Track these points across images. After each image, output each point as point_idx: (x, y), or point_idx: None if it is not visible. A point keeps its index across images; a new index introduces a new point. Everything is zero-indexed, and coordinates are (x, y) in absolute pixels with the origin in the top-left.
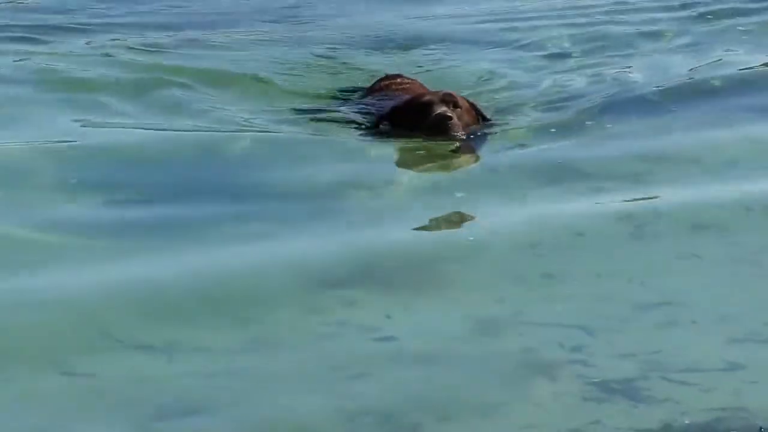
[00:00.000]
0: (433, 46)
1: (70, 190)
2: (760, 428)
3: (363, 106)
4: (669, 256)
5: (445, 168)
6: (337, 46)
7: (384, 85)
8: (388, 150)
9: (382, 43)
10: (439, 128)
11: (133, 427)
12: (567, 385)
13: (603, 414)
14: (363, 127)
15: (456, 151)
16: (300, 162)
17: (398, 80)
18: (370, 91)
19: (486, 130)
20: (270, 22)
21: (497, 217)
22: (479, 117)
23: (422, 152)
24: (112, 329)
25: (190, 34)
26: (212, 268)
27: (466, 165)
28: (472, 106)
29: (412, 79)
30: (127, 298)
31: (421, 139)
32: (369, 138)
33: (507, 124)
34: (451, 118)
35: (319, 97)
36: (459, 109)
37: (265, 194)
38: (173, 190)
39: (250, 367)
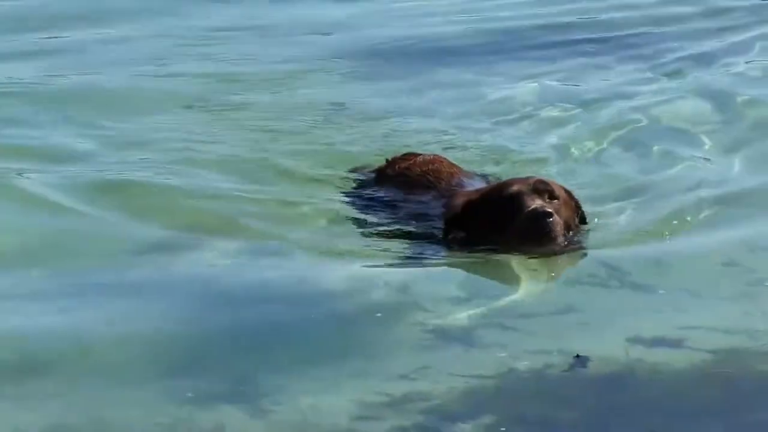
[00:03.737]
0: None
1: None
2: (576, 355)
3: (393, 202)
4: None
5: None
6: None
7: (403, 168)
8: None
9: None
10: (534, 230)
11: None
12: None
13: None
14: (424, 237)
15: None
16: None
17: (418, 159)
18: (382, 177)
19: (589, 228)
20: None
21: None
22: (578, 210)
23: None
24: None
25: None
26: None
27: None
28: (570, 195)
29: (434, 156)
30: None
31: (513, 251)
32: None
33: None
34: (550, 214)
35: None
36: (556, 201)
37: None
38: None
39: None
